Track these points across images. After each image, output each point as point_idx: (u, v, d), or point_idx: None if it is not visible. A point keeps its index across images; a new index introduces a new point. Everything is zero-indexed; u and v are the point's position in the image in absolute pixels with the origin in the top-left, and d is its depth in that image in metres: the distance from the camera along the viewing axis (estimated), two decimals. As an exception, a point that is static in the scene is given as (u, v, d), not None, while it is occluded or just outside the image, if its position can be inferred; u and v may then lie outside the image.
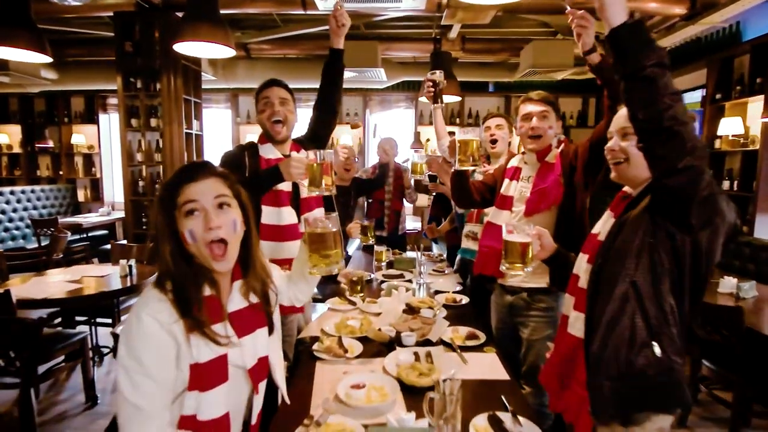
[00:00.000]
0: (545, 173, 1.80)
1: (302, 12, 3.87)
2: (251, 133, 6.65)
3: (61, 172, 6.82)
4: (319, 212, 1.93)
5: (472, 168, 1.70)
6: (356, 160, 3.10)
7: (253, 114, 6.73)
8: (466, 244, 2.65)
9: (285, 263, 1.52)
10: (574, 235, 1.67)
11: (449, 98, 4.20)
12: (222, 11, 4.26)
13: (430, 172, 2.69)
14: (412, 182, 3.70)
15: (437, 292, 2.43)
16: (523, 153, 1.95)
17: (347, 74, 4.85)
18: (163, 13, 3.77)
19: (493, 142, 2.51)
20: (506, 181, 1.94)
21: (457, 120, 6.54)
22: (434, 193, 3.71)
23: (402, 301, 2.15)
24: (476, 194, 2.01)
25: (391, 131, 6.92)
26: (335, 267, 1.23)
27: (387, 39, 5.11)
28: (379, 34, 5.20)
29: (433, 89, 2.17)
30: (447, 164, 3.49)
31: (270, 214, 1.78)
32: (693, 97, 4.53)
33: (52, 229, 4.85)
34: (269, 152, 1.83)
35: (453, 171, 1.93)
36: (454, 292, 2.41)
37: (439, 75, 2.16)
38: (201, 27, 3.03)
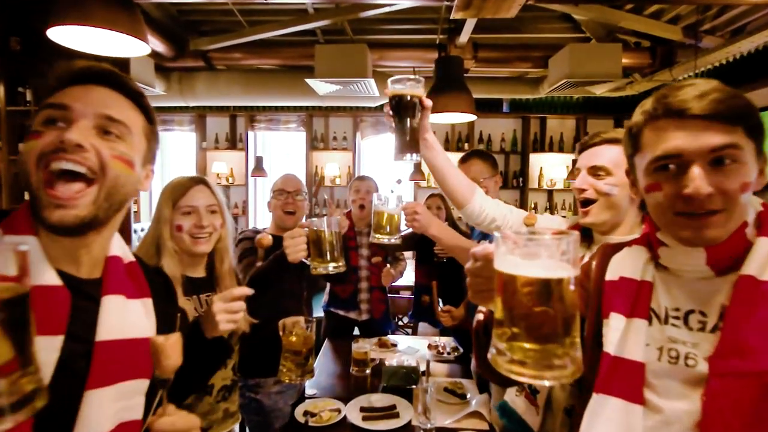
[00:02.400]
0: (761, 312, 0.63)
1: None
2: (218, 161, 5.59)
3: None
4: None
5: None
6: (304, 195, 1.94)
7: (222, 137, 5.71)
8: (513, 399, 1.25)
9: None
10: None
11: (463, 117, 3.13)
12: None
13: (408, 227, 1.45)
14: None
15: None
16: (660, 243, 0.77)
17: (330, 88, 3.82)
18: None
19: (586, 204, 1.18)
20: (616, 318, 0.76)
21: (466, 145, 5.48)
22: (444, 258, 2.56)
23: None
24: None
25: (384, 159, 5.86)
26: None
27: (380, 46, 4.09)
28: (370, 40, 4.20)
29: (395, 116, 1.08)
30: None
31: None
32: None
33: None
34: None
35: (475, 327, 0.82)
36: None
37: (410, 85, 1.06)
38: (91, 5, 1.98)
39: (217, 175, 5.61)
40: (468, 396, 1.75)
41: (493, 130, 5.52)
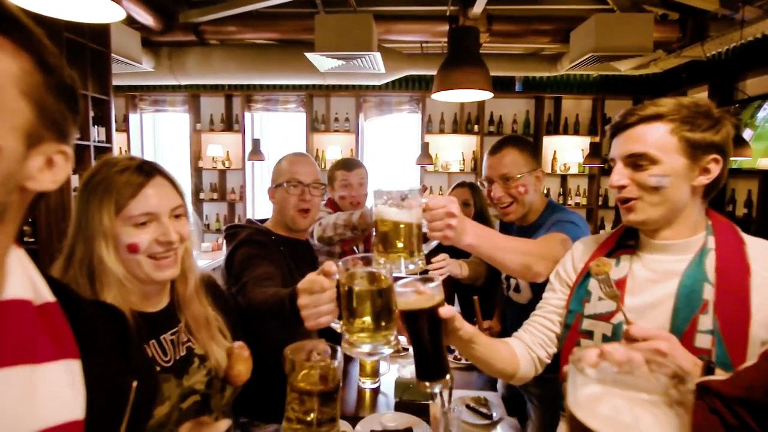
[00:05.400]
0: None
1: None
2: (214, 144, 5.31)
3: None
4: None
5: None
6: (323, 185, 1.52)
7: (217, 119, 5.41)
8: None
9: None
10: None
11: (478, 95, 2.84)
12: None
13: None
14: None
15: None
16: None
17: (332, 63, 3.51)
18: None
19: (627, 201, 0.92)
20: None
21: (475, 127, 5.18)
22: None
23: None
24: None
25: (389, 142, 5.58)
26: None
27: (385, 18, 3.76)
28: (374, 11, 3.87)
29: (408, 331, 0.81)
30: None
31: None
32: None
33: None
34: None
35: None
36: None
37: (426, 296, 0.79)
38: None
39: (213, 158, 5.34)
40: (494, 416, 1.51)
41: (504, 111, 5.21)
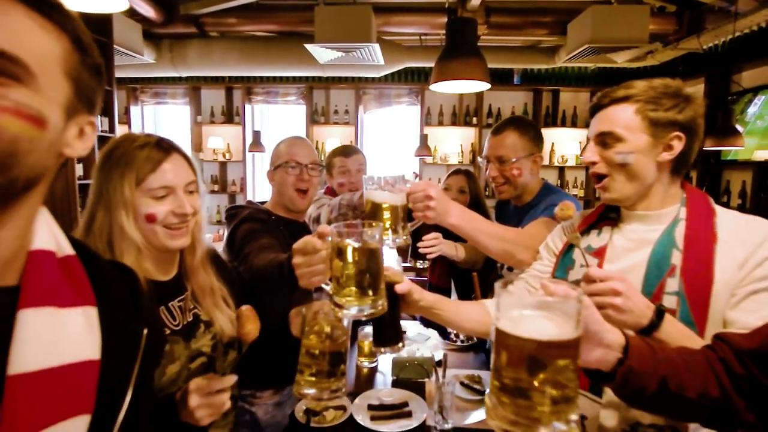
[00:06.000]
0: None
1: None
2: (215, 136, 5.35)
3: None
4: None
5: None
6: (320, 167, 1.59)
7: (218, 111, 5.45)
8: None
9: None
10: None
11: (475, 85, 2.88)
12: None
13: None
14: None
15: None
16: None
17: (332, 55, 3.55)
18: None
19: (599, 178, 1.00)
20: None
21: (474, 119, 5.22)
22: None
23: None
24: None
25: (390, 133, 5.62)
26: None
27: (384, 10, 3.80)
28: (374, 3, 3.90)
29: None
30: None
31: None
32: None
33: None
34: None
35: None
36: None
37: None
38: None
39: (213, 150, 5.38)
40: (488, 391, 1.57)
41: (503, 103, 5.24)
